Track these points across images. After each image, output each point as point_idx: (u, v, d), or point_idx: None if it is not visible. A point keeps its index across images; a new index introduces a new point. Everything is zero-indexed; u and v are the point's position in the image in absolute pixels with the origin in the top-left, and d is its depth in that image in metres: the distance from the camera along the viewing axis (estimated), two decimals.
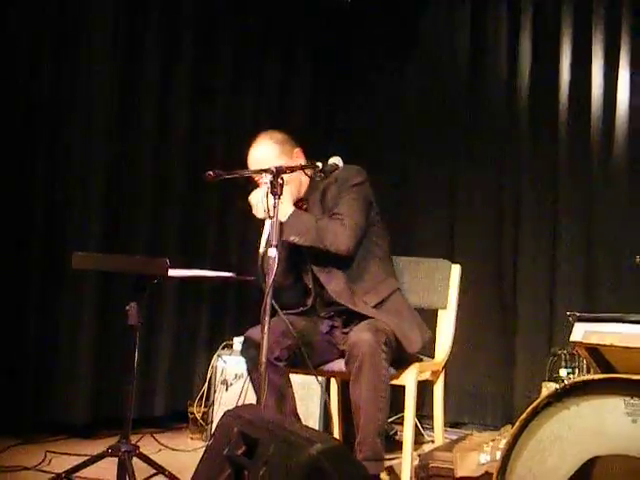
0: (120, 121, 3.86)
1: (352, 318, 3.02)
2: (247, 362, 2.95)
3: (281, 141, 3.06)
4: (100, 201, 3.77)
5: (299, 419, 3.04)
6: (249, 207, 2.88)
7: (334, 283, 3.03)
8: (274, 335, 2.85)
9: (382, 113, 4.64)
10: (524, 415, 2.17)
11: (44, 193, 3.63)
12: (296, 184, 3.04)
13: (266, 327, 2.54)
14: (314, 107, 4.70)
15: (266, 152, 3.01)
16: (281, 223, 2.79)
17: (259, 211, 2.85)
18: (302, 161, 3.01)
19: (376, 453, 2.79)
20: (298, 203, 3.06)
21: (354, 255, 3.01)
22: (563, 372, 3.53)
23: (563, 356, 3.58)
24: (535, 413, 2.16)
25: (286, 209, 2.89)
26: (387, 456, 2.89)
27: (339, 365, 3.02)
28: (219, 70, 4.30)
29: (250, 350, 2.89)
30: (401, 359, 2.99)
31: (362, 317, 2.98)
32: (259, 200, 2.81)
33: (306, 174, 2.99)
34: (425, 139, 4.54)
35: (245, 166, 2.94)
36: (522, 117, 4.30)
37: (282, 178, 2.62)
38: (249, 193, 2.95)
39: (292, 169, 2.75)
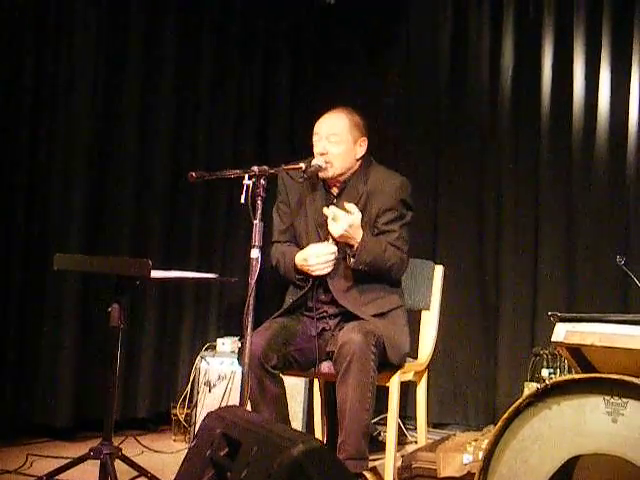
0: (103, 121, 3.85)
1: (346, 320, 3.01)
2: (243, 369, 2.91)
3: (355, 123, 3.11)
4: (82, 202, 3.75)
5: (289, 423, 3.04)
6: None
7: (340, 282, 3.03)
8: (271, 343, 2.87)
9: (363, 114, 4.62)
10: (506, 415, 2.18)
11: (26, 193, 3.60)
12: (351, 160, 3.08)
13: (249, 327, 2.55)
14: (295, 108, 4.70)
15: (340, 122, 3.07)
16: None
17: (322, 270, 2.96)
18: (363, 152, 3.11)
19: (359, 452, 2.80)
20: (337, 180, 3.08)
21: None
22: (545, 372, 3.55)
23: (545, 356, 3.60)
24: (517, 413, 2.18)
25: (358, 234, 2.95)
26: (370, 457, 2.89)
27: (326, 366, 3.03)
28: (201, 71, 4.29)
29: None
30: (384, 364, 2.98)
31: (355, 320, 2.97)
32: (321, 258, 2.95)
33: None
34: (407, 139, 4.54)
35: (226, 167, 2.93)
36: (504, 118, 4.31)
37: (266, 179, 2.63)
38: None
39: (275, 172, 2.76)
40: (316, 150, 3.05)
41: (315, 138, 3.08)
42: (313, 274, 2.99)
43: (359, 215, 2.94)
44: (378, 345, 2.85)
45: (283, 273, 3.11)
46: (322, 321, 3.09)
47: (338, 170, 3.05)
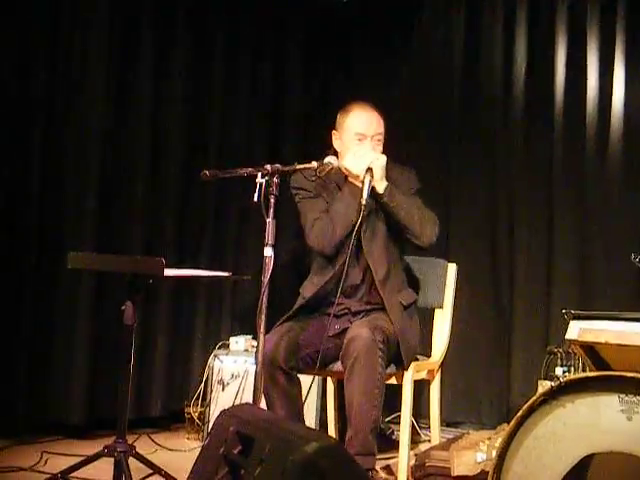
0: (114, 120, 3.85)
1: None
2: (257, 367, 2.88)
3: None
4: (95, 200, 3.76)
5: (303, 421, 3.04)
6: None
7: (381, 270, 3.04)
8: (291, 345, 2.87)
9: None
10: (520, 413, 2.17)
11: (39, 193, 3.62)
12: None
13: (262, 325, 2.55)
14: (308, 106, 4.70)
15: (381, 120, 3.15)
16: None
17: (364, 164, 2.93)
18: None
19: (367, 448, 2.79)
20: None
21: (398, 253, 3.13)
22: (559, 370, 3.53)
23: (559, 354, 3.58)
24: (531, 411, 2.17)
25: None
26: (384, 455, 2.90)
27: (338, 365, 3.01)
28: (212, 69, 4.29)
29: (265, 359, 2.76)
30: (397, 362, 2.99)
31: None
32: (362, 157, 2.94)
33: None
34: (419, 138, 4.53)
35: (241, 164, 2.89)
36: (517, 116, 4.29)
37: (279, 177, 2.63)
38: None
39: (288, 171, 2.75)
40: (360, 152, 3.00)
41: (359, 138, 3.06)
42: (363, 165, 2.93)
43: (385, 158, 2.98)
44: (386, 342, 2.83)
45: (343, 224, 2.97)
46: (343, 318, 3.07)
47: None
